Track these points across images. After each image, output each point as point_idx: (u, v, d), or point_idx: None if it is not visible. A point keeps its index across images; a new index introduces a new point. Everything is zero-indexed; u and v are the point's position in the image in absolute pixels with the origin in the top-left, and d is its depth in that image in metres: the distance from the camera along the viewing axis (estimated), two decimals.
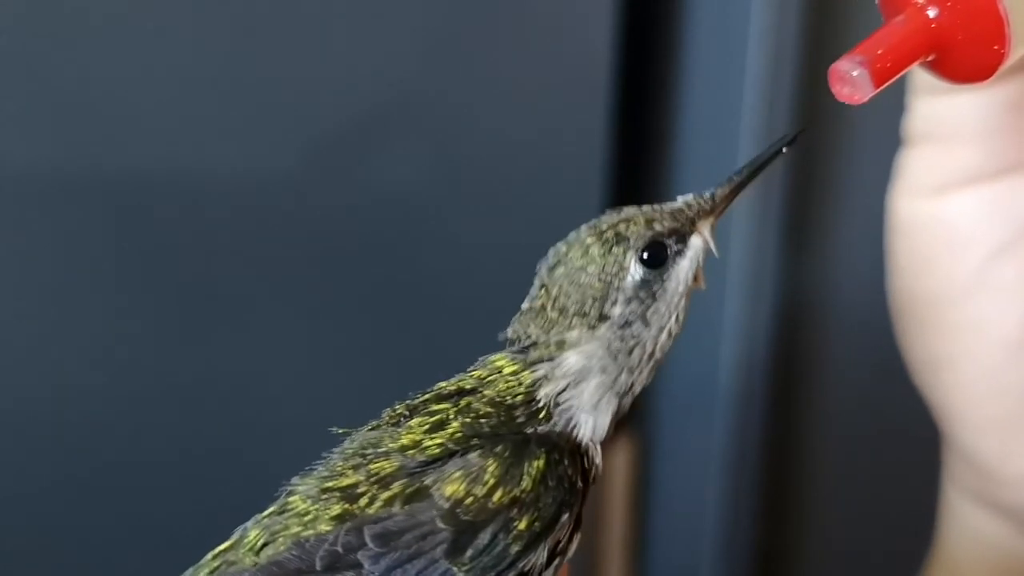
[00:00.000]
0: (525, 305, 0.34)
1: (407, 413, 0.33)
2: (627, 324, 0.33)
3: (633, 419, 0.72)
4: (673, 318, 0.33)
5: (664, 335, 0.33)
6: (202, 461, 0.62)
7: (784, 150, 0.34)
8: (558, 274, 0.33)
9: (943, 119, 0.38)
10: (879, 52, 0.29)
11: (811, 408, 0.73)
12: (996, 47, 0.30)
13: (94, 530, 0.61)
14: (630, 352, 0.33)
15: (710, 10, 0.66)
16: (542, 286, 0.33)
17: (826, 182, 0.69)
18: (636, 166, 0.70)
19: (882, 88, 0.30)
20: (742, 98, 0.65)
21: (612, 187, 0.65)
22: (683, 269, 0.33)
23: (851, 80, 0.29)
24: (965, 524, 0.43)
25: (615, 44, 0.63)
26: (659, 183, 0.70)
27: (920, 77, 0.38)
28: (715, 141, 0.67)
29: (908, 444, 0.56)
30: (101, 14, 0.55)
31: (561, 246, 0.34)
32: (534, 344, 0.33)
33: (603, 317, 0.33)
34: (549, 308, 0.33)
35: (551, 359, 0.33)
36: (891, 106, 0.40)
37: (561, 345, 0.33)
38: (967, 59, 0.30)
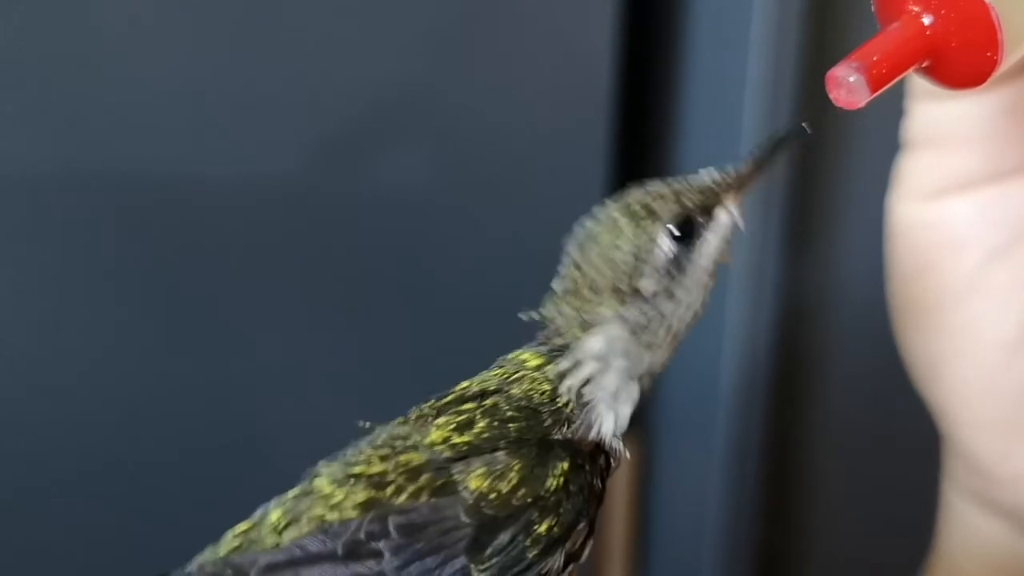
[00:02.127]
0: (557, 286, 0.34)
1: (434, 413, 0.33)
2: (654, 299, 0.33)
3: (635, 420, 0.73)
4: (697, 293, 0.34)
5: (688, 311, 0.34)
6: (207, 462, 0.62)
7: (807, 129, 0.34)
8: (590, 252, 0.33)
9: (940, 124, 0.39)
10: (875, 58, 0.30)
11: (812, 410, 0.73)
12: (989, 54, 0.30)
13: (95, 531, 0.61)
14: (652, 328, 0.33)
15: (712, 11, 0.67)
16: (574, 265, 0.34)
17: (828, 185, 0.70)
18: (639, 166, 0.70)
19: (878, 94, 0.30)
20: (743, 100, 0.65)
21: (615, 187, 0.65)
22: (711, 244, 0.34)
23: (848, 86, 0.30)
24: (964, 524, 0.44)
25: (617, 44, 0.63)
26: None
27: (918, 82, 0.38)
28: (717, 142, 0.67)
29: (909, 445, 0.57)
30: (102, 14, 0.56)
31: (589, 223, 0.34)
32: (558, 331, 0.34)
33: (635, 292, 0.33)
34: (583, 287, 0.33)
35: (575, 342, 0.33)
36: (892, 109, 0.41)
37: (587, 326, 0.33)
38: (961, 65, 0.31)
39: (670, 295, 0.33)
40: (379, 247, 0.62)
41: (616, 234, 0.33)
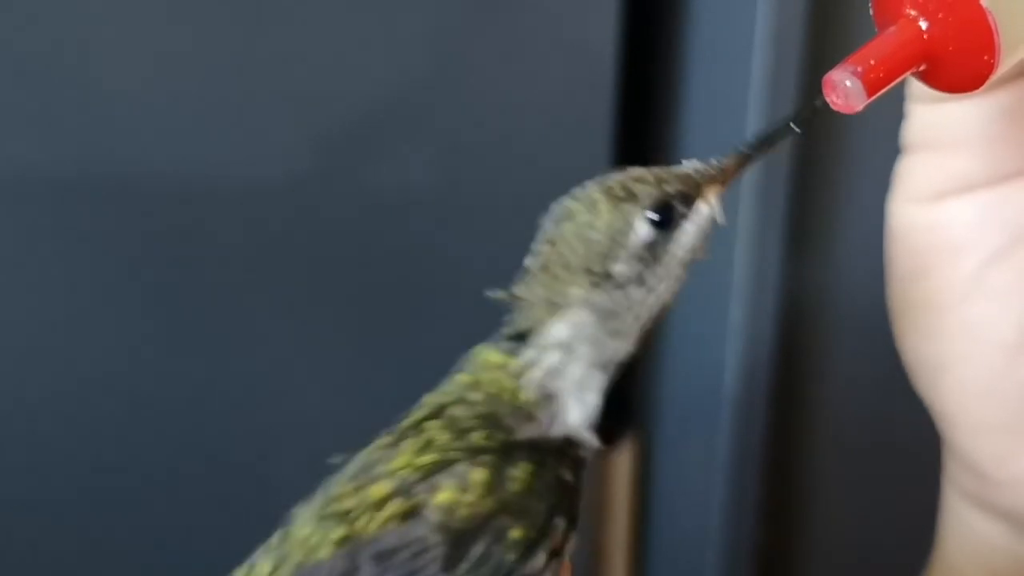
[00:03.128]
0: (530, 262, 0.34)
1: (398, 437, 0.33)
2: (625, 284, 0.33)
3: (636, 421, 0.73)
4: (668, 284, 0.33)
5: (655, 300, 0.33)
6: (205, 465, 0.62)
7: (797, 128, 0.33)
8: (565, 230, 0.33)
9: (939, 127, 0.39)
10: (871, 62, 0.30)
11: (814, 411, 0.73)
12: (986, 58, 0.30)
13: (94, 533, 0.61)
14: (619, 315, 0.33)
15: (714, 11, 0.67)
16: (548, 241, 0.33)
17: (829, 185, 0.70)
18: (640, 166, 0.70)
19: (875, 98, 0.30)
20: (747, 102, 0.65)
21: None
22: (688, 234, 0.33)
23: (845, 90, 0.30)
24: (965, 527, 0.44)
25: (619, 44, 0.63)
26: None
27: (917, 85, 0.38)
28: (719, 144, 0.67)
29: (909, 446, 0.57)
30: (105, 15, 0.56)
31: (567, 201, 0.33)
32: (524, 313, 0.33)
33: (607, 275, 0.33)
34: (554, 265, 0.33)
35: (540, 327, 0.33)
36: (894, 110, 0.41)
37: (554, 308, 0.33)
38: (958, 69, 0.31)
39: (642, 282, 0.33)
40: (382, 248, 0.63)
41: (593, 213, 0.33)
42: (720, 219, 0.34)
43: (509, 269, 0.60)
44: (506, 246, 0.62)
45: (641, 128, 0.70)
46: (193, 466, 0.62)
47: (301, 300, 0.62)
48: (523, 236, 0.62)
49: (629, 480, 0.73)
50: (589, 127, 0.64)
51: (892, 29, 0.31)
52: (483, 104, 0.62)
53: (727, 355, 0.69)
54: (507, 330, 0.34)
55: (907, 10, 0.30)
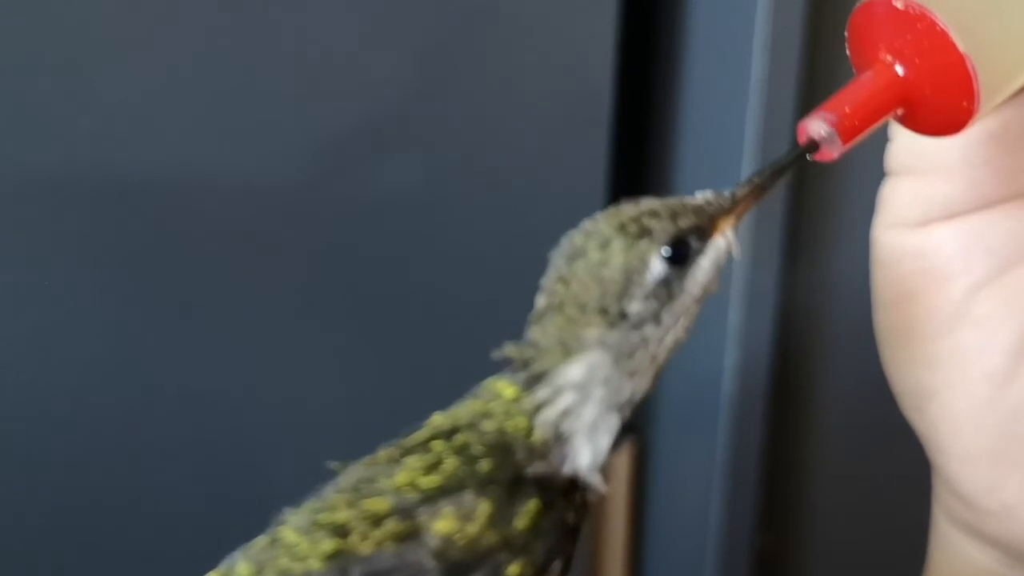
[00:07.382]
0: (541, 302, 0.33)
1: (401, 452, 0.32)
2: (641, 323, 0.32)
3: (634, 424, 0.73)
4: (684, 321, 0.32)
5: (671, 337, 0.32)
6: (202, 465, 0.62)
7: (808, 156, 0.32)
8: (578, 267, 0.32)
9: (922, 152, 0.38)
10: (847, 110, 0.29)
11: (810, 415, 0.73)
12: (965, 103, 0.29)
13: (90, 532, 0.61)
14: (634, 354, 0.32)
15: (712, 20, 0.66)
16: (560, 279, 0.32)
17: (825, 195, 0.69)
18: (639, 177, 0.70)
19: (852, 145, 0.30)
20: (745, 112, 0.65)
21: (616, 195, 0.65)
22: (703, 269, 0.32)
23: (820, 139, 0.29)
24: (955, 551, 0.43)
25: (618, 52, 0.63)
26: (662, 192, 0.70)
27: None
28: (717, 153, 0.67)
29: (906, 452, 0.56)
30: (105, 17, 0.55)
31: (577, 237, 0.32)
32: (538, 354, 0.32)
33: (622, 315, 0.32)
34: (568, 305, 0.32)
35: (554, 369, 0.32)
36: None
37: (568, 351, 0.32)
38: (936, 114, 0.30)
39: (657, 320, 0.32)
40: (379, 251, 0.62)
41: (606, 251, 0.32)
42: (735, 253, 0.33)
43: (506, 274, 0.60)
44: (504, 250, 0.63)
45: (639, 135, 0.69)
46: (189, 466, 0.62)
47: (299, 302, 0.62)
48: (520, 240, 0.62)
49: (627, 483, 0.73)
50: (587, 134, 0.64)
51: (868, 74, 0.30)
52: (482, 111, 0.62)
53: (725, 360, 0.69)
54: (520, 369, 0.33)
55: (883, 55, 0.30)
